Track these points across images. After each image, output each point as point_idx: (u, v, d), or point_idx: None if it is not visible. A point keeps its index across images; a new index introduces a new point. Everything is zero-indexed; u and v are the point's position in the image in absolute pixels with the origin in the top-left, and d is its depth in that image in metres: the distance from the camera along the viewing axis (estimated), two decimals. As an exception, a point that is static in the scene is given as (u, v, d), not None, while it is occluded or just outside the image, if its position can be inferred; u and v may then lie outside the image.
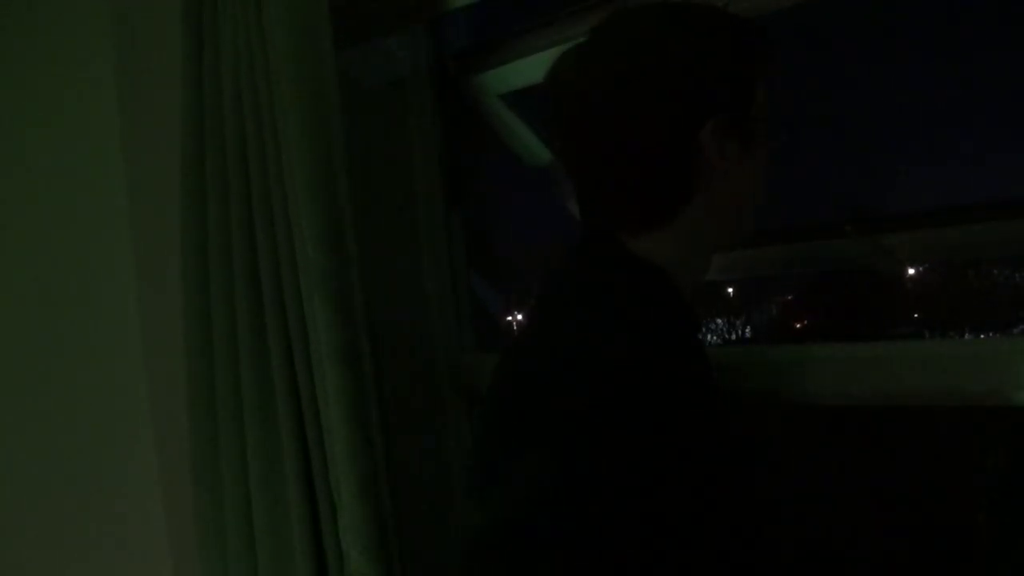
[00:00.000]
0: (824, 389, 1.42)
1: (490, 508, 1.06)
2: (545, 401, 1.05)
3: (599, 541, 0.98)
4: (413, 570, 1.48)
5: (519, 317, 1.93)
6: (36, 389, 2.08)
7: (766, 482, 1.30)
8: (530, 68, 1.54)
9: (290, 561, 1.50)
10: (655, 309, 1.14)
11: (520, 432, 1.06)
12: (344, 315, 1.39)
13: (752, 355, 1.56)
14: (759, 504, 1.20)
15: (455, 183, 1.63)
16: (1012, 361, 1.24)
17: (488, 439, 1.16)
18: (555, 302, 1.24)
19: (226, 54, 1.51)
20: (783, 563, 1.19)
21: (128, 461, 2.11)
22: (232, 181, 1.52)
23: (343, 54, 1.43)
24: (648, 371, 1.05)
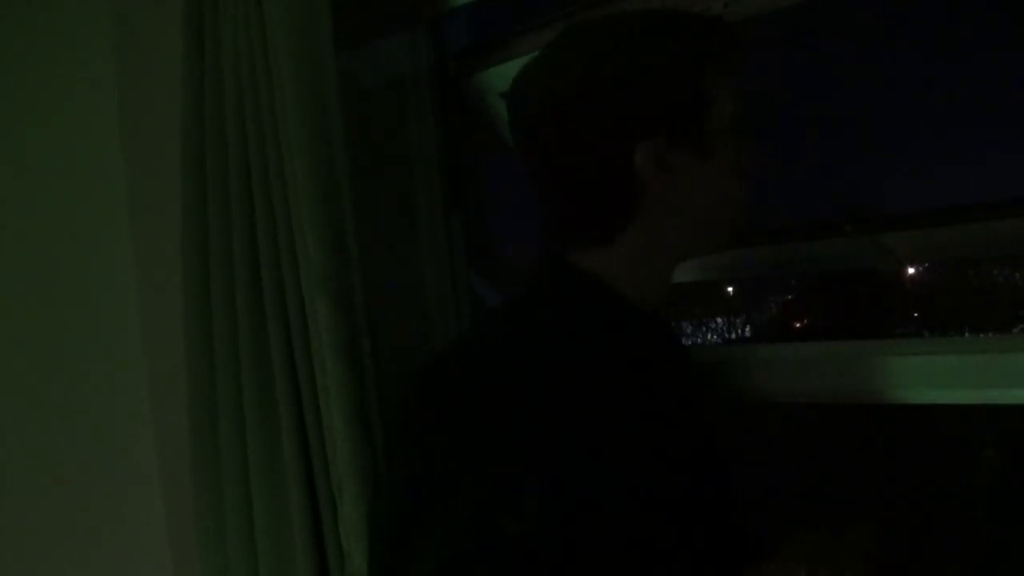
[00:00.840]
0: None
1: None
2: (434, 402, 1.10)
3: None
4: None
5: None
6: (36, 388, 2.08)
7: (737, 483, 1.30)
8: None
9: (291, 561, 1.50)
10: (584, 320, 1.15)
11: (412, 433, 1.12)
12: (345, 315, 1.39)
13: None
14: (713, 505, 1.19)
15: (455, 183, 1.63)
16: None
17: (391, 435, 1.28)
18: (490, 312, 1.31)
19: (227, 54, 1.51)
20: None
21: (128, 461, 2.11)
22: (233, 181, 1.52)
23: (343, 54, 1.43)
24: (544, 379, 1.06)
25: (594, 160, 1.12)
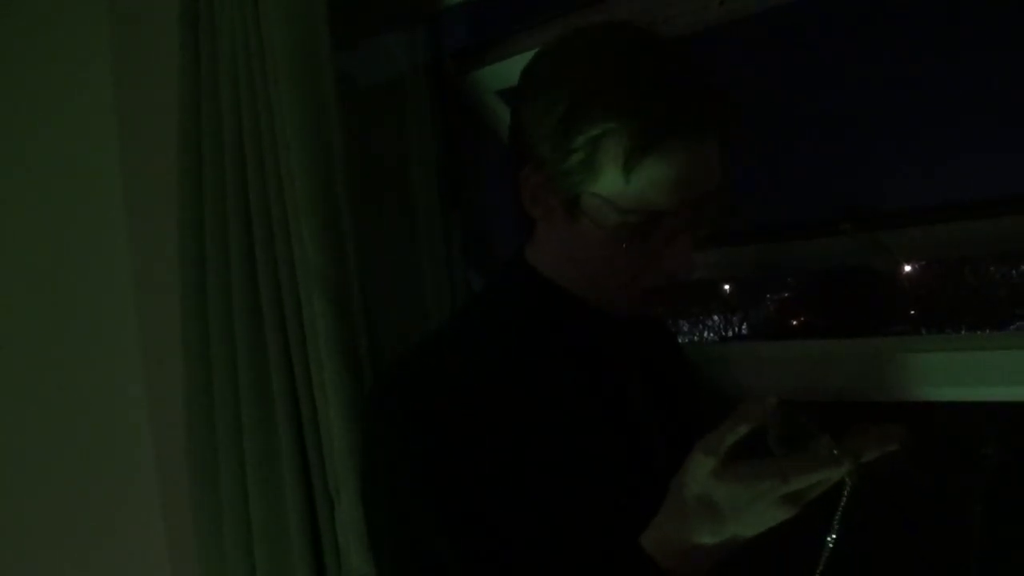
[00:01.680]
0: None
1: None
2: (378, 402, 1.15)
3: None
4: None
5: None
6: (33, 384, 2.08)
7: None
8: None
9: (288, 558, 1.50)
10: (524, 314, 1.17)
11: (364, 437, 1.18)
12: (343, 313, 1.39)
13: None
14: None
15: (453, 181, 1.63)
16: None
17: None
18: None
19: (223, 54, 1.51)
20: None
21: (126, 459, 2.11)
22: (229, 180, 1.52)
23: (340, 52, 1.43)
24: (471, 373, 1.10)
25: (512, 164, 1.14)
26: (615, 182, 1.02)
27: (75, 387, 2.09)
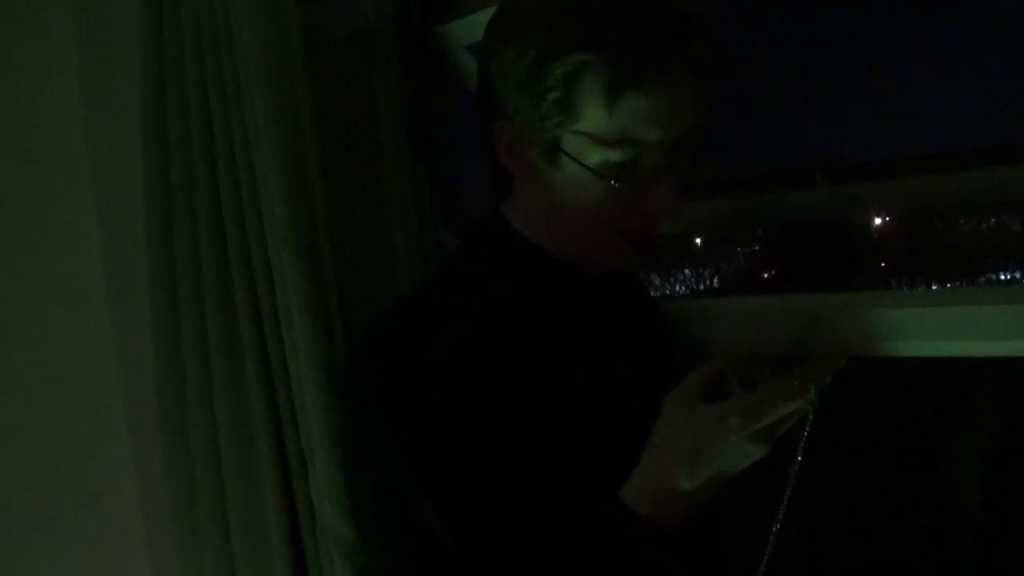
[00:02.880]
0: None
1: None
2: (357, 365, 1.16)
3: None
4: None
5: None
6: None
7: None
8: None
9: (262, 519, 1.50)
10: (499, 270, 1.16)
11: (345, 398, 1.20)
12: (313, 272, 1.38)
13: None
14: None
15: (422, 137, 1.61)
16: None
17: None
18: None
19: (186, 12, 1.49)
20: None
21: (97, 425, 2.10)
22: (195, 141, 1.50)
23: (305, 6, 1.41)
24: (448, 331, 1.08)
25: (481, 122, 1.13)
26: (597, 117, 1.01)
27: (43, 360, 2.06)
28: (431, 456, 1.03)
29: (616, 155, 1.02)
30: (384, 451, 1.06)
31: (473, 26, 1.59)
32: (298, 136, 1.38)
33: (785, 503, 1.01)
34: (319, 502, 1.40)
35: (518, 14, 1.06)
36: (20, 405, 2.04)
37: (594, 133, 1.02)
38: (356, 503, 1.17)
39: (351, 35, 1.53)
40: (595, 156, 1.03)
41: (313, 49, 1.42)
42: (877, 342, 1.35)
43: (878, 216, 1.83)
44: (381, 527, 1.08)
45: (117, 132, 1.93)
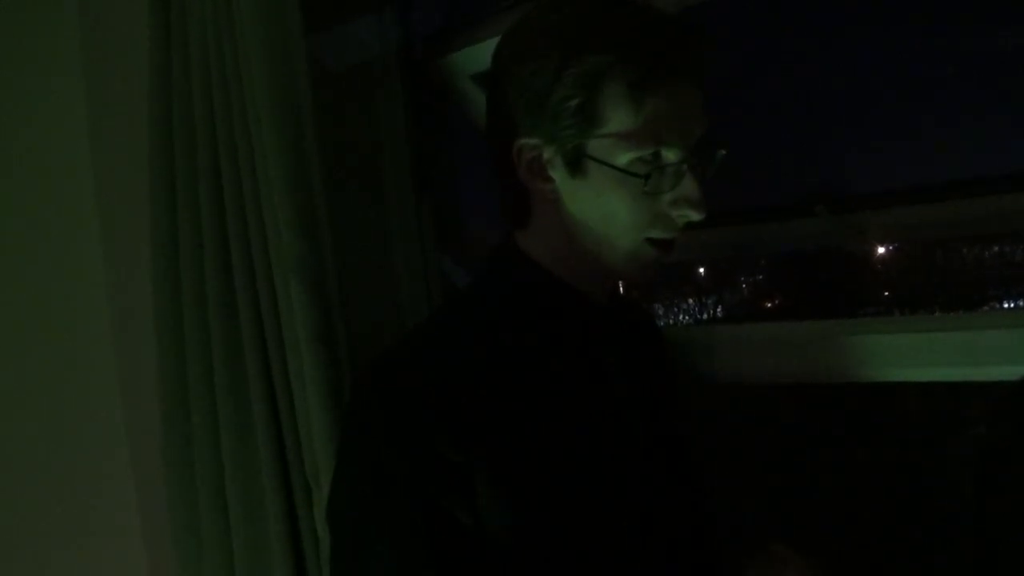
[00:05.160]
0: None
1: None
2: (378, 393, 1.09)
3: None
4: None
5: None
6: (4, 378, 2.05)
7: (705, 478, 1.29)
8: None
9: (266, 547, 1.49)
10: (521, 303, 1.15)
11: (359, 426, 1.12)
12: (320, 299, 1.38)
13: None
14: (672, 499, 1.18)
15: (425, 166, 1.62)
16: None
17: (344, 427, 1.24)
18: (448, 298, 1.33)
19: (194, 39, 1.50)
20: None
21: (101, 449, 2.10)
22: (201, 169, 1.51)
23: (312, 37, 1.42)
24: (480, 364, 1.07)
25: (495, 149, 1.13)
26: (623, 118, 1.03)
27: (47, 379, 2.07)
28: (437, 485, 1.01)
29: (645, 152, 1.04)
30: (385, 478, 1.04)
31: (477, 56, 1.60)
32: (304, 166, 1.39)
33: None
34: (322, 528, 1.40)
35: (530, 33, 1.08)
36: (24, 437, 2.04)
37: (621, 133, 1.03)
38: (343, 523, 1.11)
39: (356, 67, 1.55)
40: (624, 157, 1.04)
41: (319, 81, 1.43)
42: (879, 368, 1.35)
43: (880, 245, 1.83)
44: (371, 561, 1.05)
45: (122, 162, 1.95)
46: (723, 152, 1.09)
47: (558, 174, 1.09)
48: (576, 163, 1.06)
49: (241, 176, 1.44)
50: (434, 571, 1.01)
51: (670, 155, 1.05)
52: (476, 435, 1.02)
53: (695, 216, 1.08)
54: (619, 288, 1.32)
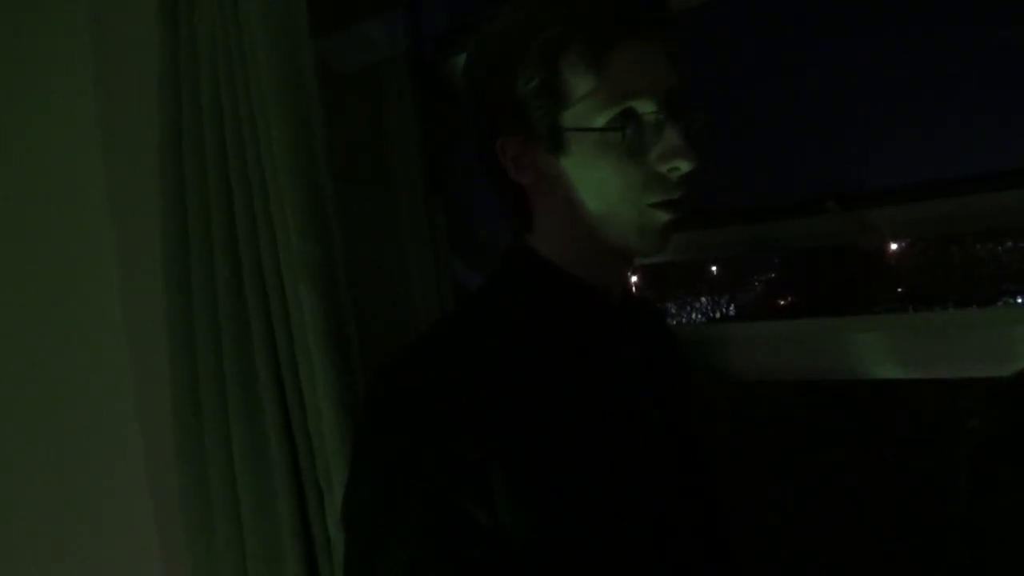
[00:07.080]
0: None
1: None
2: (394, 395, 1.09)
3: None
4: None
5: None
6: (19, 382, 2.06)
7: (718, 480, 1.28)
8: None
9: (278, 549, 1.49)
10: (537, 303, 1.14)
11: (373, 427, 1.11)
12: (330, 301, 1.38)
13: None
14: (686, 499, 1.17)
15: (436, 167, 1.62)
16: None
17: (359, 429, 1.23)
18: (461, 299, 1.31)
19: (203, 43, 1.50)
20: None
21: (114, 452, 2.10)
22: (211, 171, 1.51)
23: (320, 39, 1.42)
24: (495, 365, 1.06)
25: (484, 158, 1.14)
26: (588, 83, 1.04)
27: (60, 383, 2.08)
28: (454, 485, 1.00)
29: (616, 109, 1.05)
30: (402, 478, 1.03)
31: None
32: (314, 169, 1.39)
33: None
34: (336, 530, 1.40)
35: (491, 40, 1.11)
36: (39, 440, 2.05)
37: (588, 96, 1.05)
38: (358, 524, 1.09)
39: (365, 69, 1.55)
40: (598, 119, 1.05)
41: (328, 82, 1.43)
42: (895, 365, 1.34)
43: (893, 242, 1.82)
44: (387, 562, 1.03)
45: (133, 164, 1.95)
46: (701, 116, 1.09)
47: (544, 160, 1.09)
48: (556, 141, 1.07)
49: (251, 179, 1.45)
50: (451, 572, 1.00)
51: (642, 107, 1.05)
52: (493, 435, 1.01)
53: (685, 165, 1.07)
54: (631, 287, 1.32)
